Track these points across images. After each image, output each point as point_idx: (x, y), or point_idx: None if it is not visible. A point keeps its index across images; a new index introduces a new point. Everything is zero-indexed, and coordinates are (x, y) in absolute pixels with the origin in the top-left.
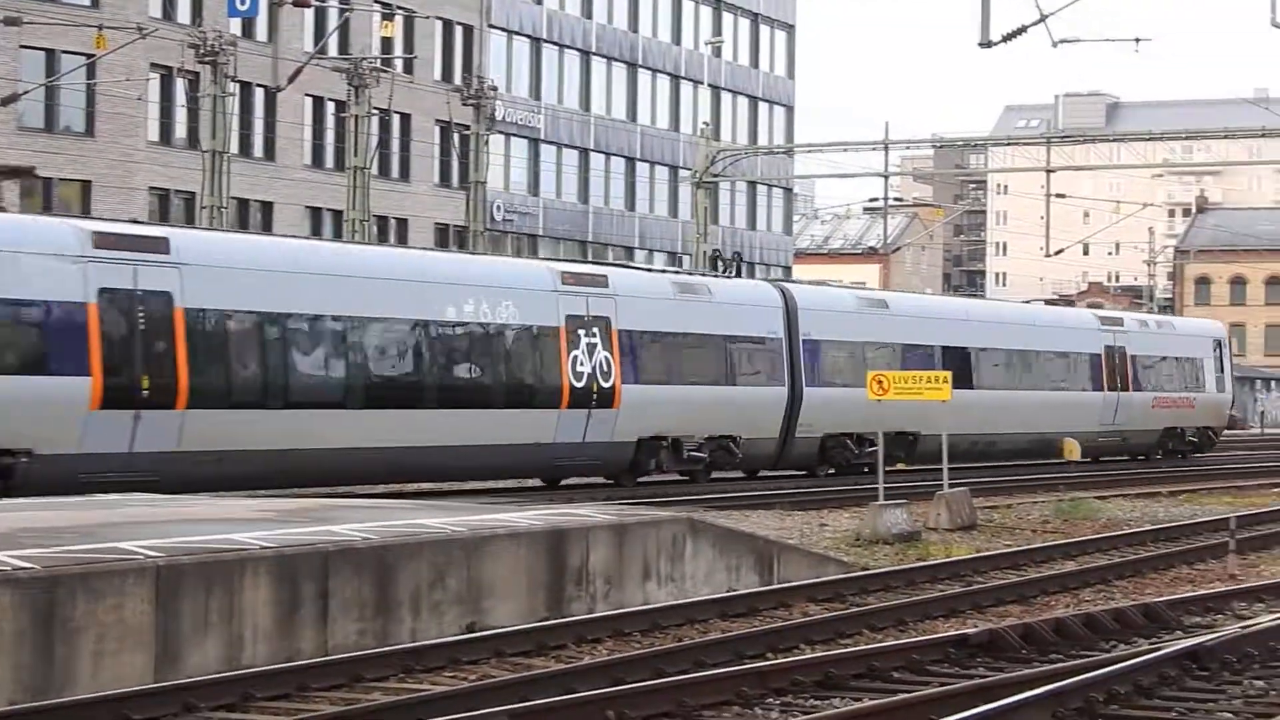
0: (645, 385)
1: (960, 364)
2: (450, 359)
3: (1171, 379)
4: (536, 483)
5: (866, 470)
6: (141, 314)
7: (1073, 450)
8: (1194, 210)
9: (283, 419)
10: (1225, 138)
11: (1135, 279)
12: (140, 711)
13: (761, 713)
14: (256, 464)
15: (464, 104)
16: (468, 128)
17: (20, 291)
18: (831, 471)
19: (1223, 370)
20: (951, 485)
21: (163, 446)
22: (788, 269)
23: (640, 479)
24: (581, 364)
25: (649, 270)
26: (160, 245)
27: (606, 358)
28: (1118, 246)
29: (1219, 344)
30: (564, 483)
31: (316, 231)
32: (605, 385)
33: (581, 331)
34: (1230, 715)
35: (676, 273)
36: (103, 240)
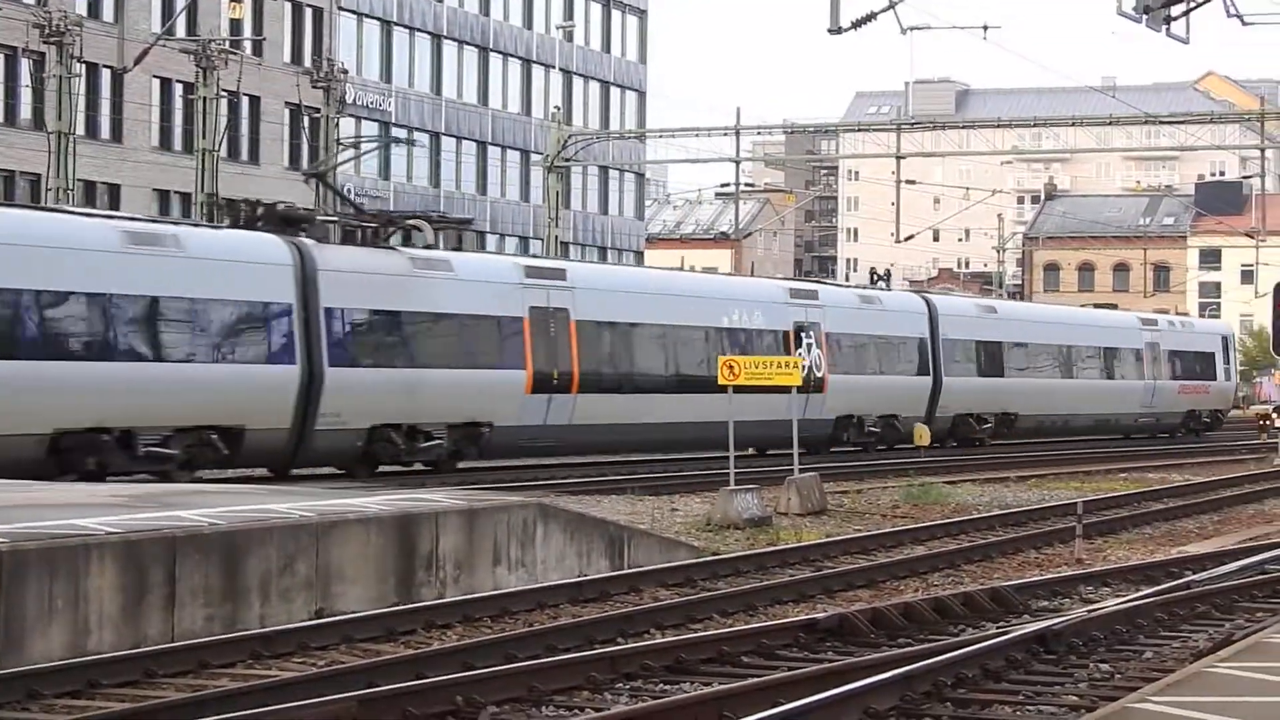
0: (842, 375)
1: (1057, 358)
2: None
3: (1192, 370)
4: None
5: (977, 443)
6: (551, 324)
7: (923, 436)
8: (1043, 197)
9: (633, 401)
10: (1073, 125)
11: (985, 265)
12: None
13: (611, 697)
14: (617, 434)
15: (314, 87)
16: (318, 111)
17: (493, 309)
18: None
19: (1229, 363)
20: (801, 470)
21: (563, 420)
22: (639, 254)
23: (833, 449)
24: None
25: (843, 286)
26: (560, 274)
27: (818, 354)
28: (968, 233)
29: (1226, 341)
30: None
31: (165, 213)
32: (818, 375)
33: (803, 334)
34: (1076, 698)
35: (862, 288)
36: (530, 272)
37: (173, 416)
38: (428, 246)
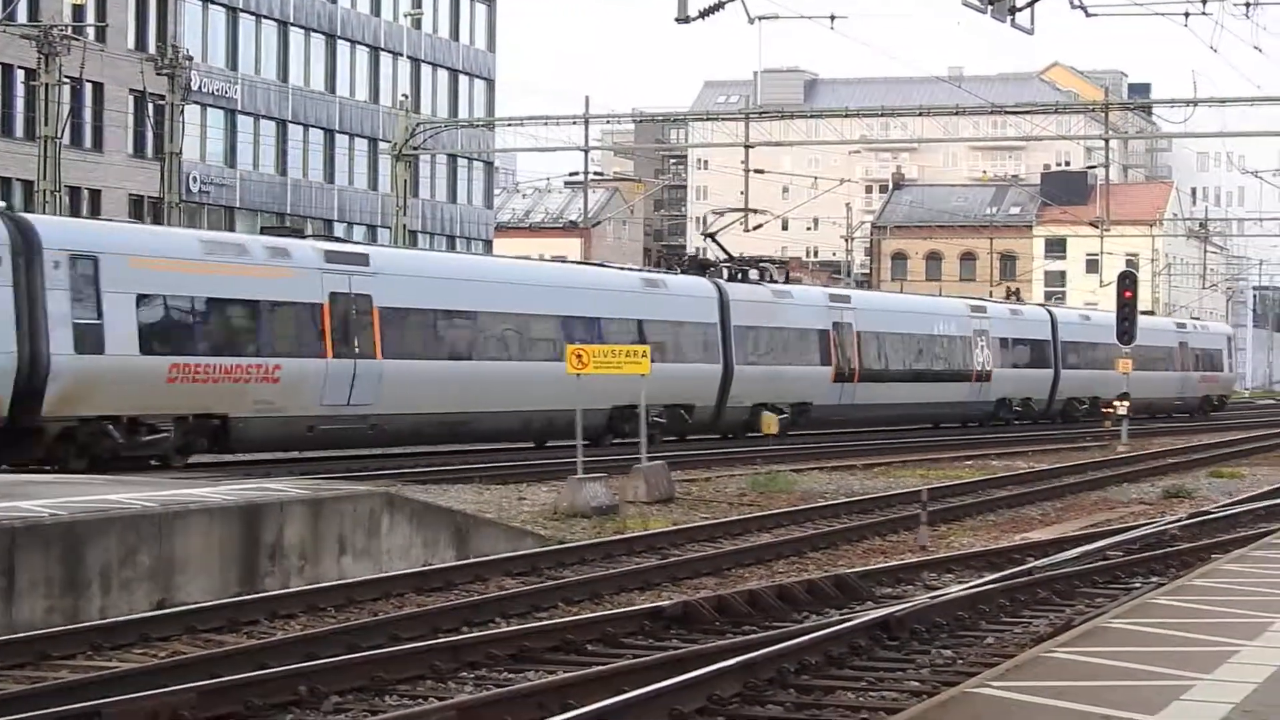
0: (999, 369)
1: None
2: (933, 355)
3: (1208, 363)
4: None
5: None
6: (838, 330)
7: (770, 425)
8: (890, 186)
9: (894, 389)
10: (920, 115)
11: (834, 254)
12: None
13: (455, 686)
14: (880, 413)
15: (159, 73)
16: (163, 98)
17: (814, 324)
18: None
19: (1232, 356)
20: (650, 459)
21: (850, 400)
22: (488, 243)
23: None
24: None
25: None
26: (846, 300)
27: (988, 354)
28: (816, 222)
29: (1230, 339)
30: None
31: (6, 198)
32: (988, 369)
33: (979, 337)
34: (918, 684)
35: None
36: (832, 299)
37: (665, 398)
38: (771, 279)
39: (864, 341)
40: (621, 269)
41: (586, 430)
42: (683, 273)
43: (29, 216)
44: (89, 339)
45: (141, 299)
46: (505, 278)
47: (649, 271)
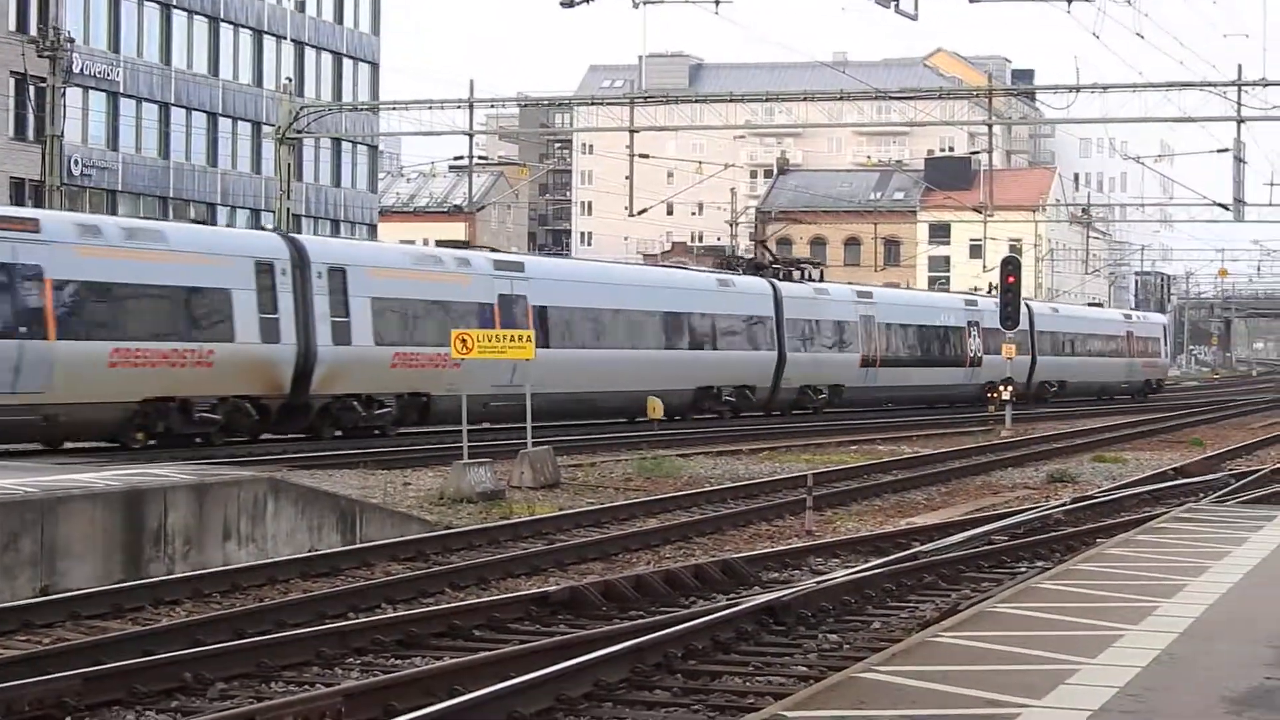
0: (991, 356)
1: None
2: (937, 343)
3: (1147, 350)
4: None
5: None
6: (865, 322)
7: (656, 409)
8: (775, 171)
9: (907, 373)
10: (805, 100)
11: (719, 239)
12: None
13: (342, 672)
14: (896, 394)
15: (39, 56)
16: (44, 80)
17: (845, 316)
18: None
19: (1166, 344)
20: (535, 444)
21: (871, 384)
22: (373, 227)
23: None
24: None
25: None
26: (869, 295)
27: (979, 342)
28: (701, 207)
29: (1165, 328)
30: None
31: None
32: (980, 355)
33: (973, 328)
34: (805, 668)
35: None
36: (860, 295)
37: (733, 380)
38: (810, 279)
39: (884, 332)
40: (699, 271)
41: (678, 407)
42: (744, 273)
43: (299, 237)
44: (341, 333)
45: (375, 301)
46: (623, 280)
47: (720, 273)
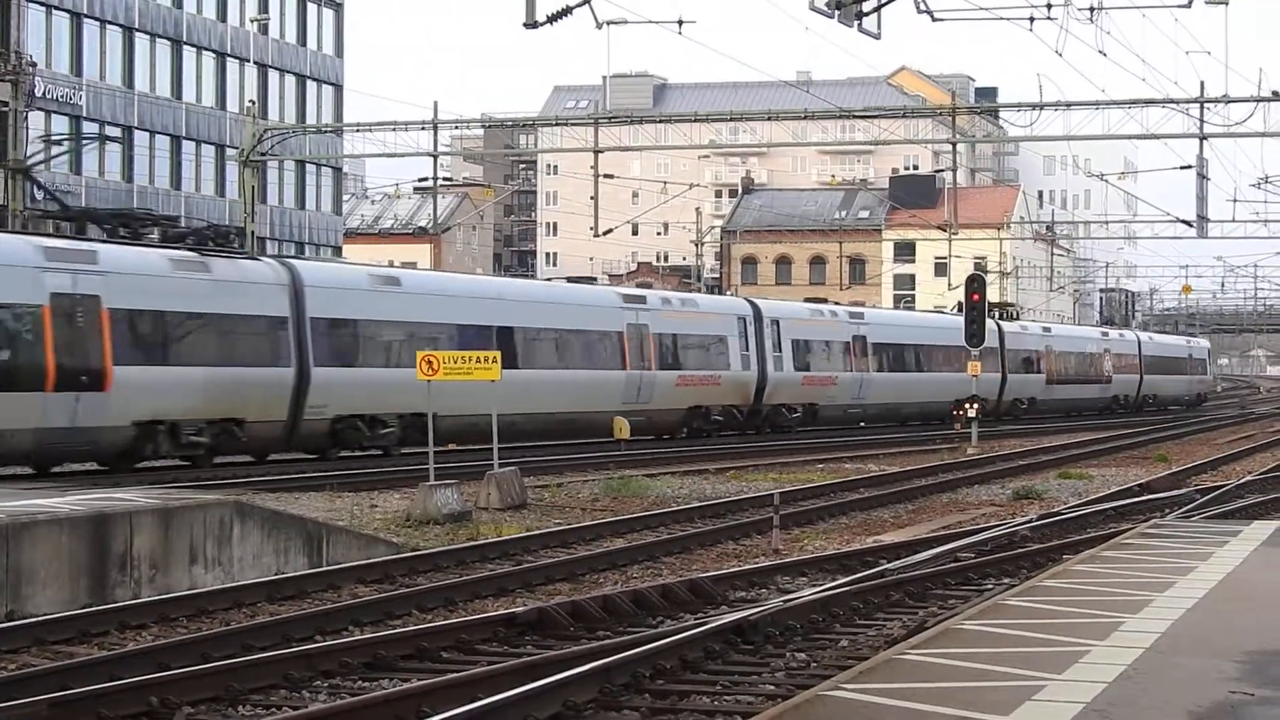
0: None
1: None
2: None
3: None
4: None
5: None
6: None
7: (622, 429)
8: (740, 191)
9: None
10: (769, 119)
11: (684, 258)
12: None
13: (309, 695)
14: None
15: (1, 80)
16: (5, 104)
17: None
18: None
19: (1213, 364)
20: (501, 465)
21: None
22: (338, 249)
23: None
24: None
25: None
26: (862, 318)
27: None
28: (666, 226)
29: (1209, 351)
30: None
31: None
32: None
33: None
34: (773, 687)
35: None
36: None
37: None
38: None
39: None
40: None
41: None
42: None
43: (758, 301)
44: (777, 364)
45: (793, 341)
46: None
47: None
